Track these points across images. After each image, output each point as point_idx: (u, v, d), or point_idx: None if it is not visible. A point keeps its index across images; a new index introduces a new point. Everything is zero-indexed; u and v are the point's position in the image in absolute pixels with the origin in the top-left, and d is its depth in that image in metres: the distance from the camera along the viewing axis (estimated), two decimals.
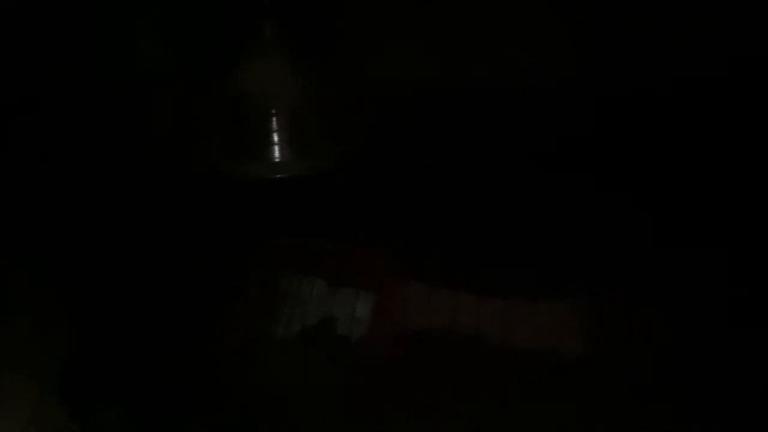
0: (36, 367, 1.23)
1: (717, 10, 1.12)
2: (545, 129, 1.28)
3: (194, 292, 1.35)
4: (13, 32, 1.03)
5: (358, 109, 1.13)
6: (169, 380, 1.29)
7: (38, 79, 1.12)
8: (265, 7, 0.97)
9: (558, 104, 1.23)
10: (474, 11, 1.14)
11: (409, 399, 1.28)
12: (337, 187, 1.36)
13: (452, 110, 1.27)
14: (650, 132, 1.27)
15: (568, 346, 1.49)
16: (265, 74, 1.03)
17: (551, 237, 1.44)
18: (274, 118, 1.05)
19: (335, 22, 1.12)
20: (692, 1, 1.10)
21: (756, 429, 1.17)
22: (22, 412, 1.19)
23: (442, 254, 1.51)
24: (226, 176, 1.06)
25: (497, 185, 1.37)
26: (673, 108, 1.25)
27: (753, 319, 1.29)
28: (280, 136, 1.06)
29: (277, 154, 1.06)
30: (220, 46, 1.06)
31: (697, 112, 1.24)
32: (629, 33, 1.15)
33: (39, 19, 1.06)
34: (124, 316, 1.33)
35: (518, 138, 1.30)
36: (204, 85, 1.08)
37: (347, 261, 1.49)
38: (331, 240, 1.49)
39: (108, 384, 1.30)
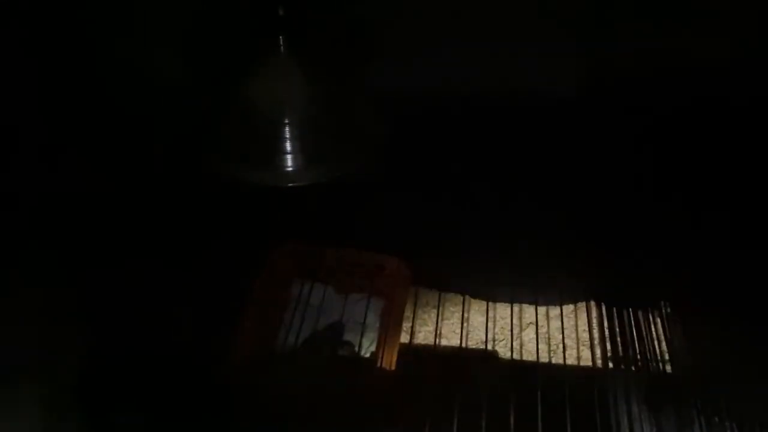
0: (48, 375, 1.23)
1: None
2: (556, 139, 1.28)
3: (206, 299, 1.35)
4: (18, 34, 1.04)
5: (371, 119, 1.13)
6: (181, 387, 1.30)
7: (45, 83, 1.12)
8: (279, 18, 0.97)
9: (571, 114, 1.23)
10: (487, 22, 1.14)
11: (415, 403, 1.28)
12: (349, 195, 1.36)
13: (464, 119, 1.27)
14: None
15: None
16: (278, 84, 1.03)
17: (561, 242, 1.43)
18: (287, 128, 1.05)
19: (349, 33, 1.12)
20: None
21: None
22: (35, 420, 1.19)
23: (452, 260, 1.51)
24: (239, 184, 1.06)
25: (508, 191, 1.37)
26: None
27: None
28: (292, 145, 1.05)
29: (289, 162, 1.06)
30: (234, 56, 1.06)
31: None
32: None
33: (45, 24, 1.07)
34: (136, 323, 1.33)
35: (530, 147, 1.30)
36: (217, 94, 1.08)
37: (356, 268, 1.50)
38: (342, 247, 1.50)
39: (121, 391, 1.31)
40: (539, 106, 1.23)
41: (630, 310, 1.47)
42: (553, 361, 1.45)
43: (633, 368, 1.36)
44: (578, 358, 1.48)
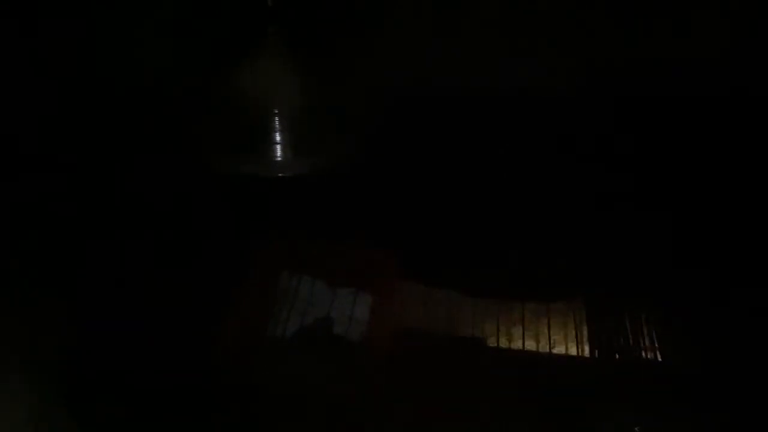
0: (35, 367, 1.23)
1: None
2: (548, 132, 1.29)
3: (194, 291, 1.35)
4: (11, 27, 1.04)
5: (360, 110, 1.14)
6: (169, 380, 1.29)
7: (39, 78, 1.12)
8: (268, 8, 0.98)
9: (560, 109, 1.24)
10: (478, 15, 1.15)
11: (405, 398, 1.29)
12: (337, 187, 1.37)
13: (453, 113, 1.27)
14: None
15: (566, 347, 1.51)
16: (267, 75, 1.04)
17: (549, 239, 1.44)
18: (276, 118, 1.05)
19: (338, 23, 1.13)
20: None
21: None
22: (20, 412, 1.18)
23: (440, 255, 1.51)
24: (227, 175, 1.07)
25: (497, 187, 1.38)
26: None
27: None
28: (281, 136, 1.06)
29: (278, 153, 1.06)
30: (223, 46, 1.07)
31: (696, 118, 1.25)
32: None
33: (42, 16, 1.07)
34: (124, 315, 1.33)
35: (520, 141, 1.31)
36: (206, 84, 1.09)
37: (346, 261, 1.50)
38: (330, 240, 1.50)
39: (109, 384, 1.30)
40: (532, 104, 1.24)
41: (618, 307, 1.47)
42: (542, 356, 1.46)
43: (620, 364, 1.36)
44: (566, 354, 1.49)
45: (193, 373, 1.29)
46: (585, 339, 1.45)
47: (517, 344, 1.48)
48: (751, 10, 1.11)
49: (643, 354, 1.37)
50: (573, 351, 1.44)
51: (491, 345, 1.50)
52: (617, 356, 1.37)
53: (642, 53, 1.18)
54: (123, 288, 1.34)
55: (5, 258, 1.15)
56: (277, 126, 1.05)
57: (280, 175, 1.07)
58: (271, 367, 1.34)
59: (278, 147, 1.06)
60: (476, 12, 1.16)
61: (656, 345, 1.39)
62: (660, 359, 1.37)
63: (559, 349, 1.48)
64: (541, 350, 1.46)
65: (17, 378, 1.18)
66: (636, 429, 1.19)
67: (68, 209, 1.25)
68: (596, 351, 1.40)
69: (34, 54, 1.11)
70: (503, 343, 1.43)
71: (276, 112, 1.04)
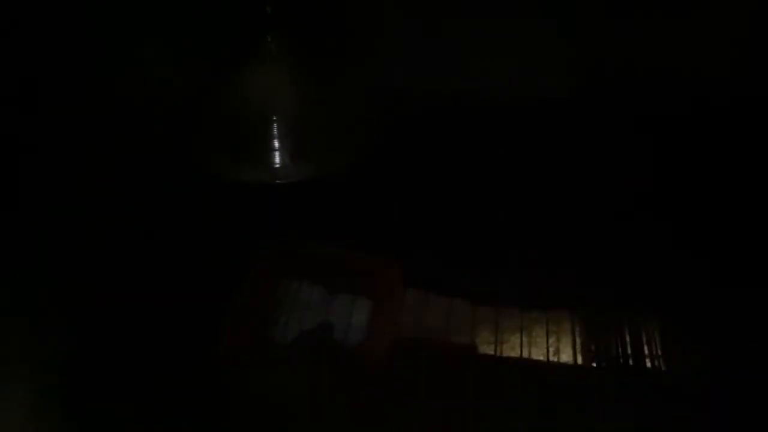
0: (33, 366, 1.23)
1: None
2: (548, 137, 1.29)
3: (193, 296, 1.36)
4: (14, 31, 1.05)
5: (359, 117, 1.15)
6: (168, 382, 1.30)
7: (40, 79, 1.13)
8: (267, 16, 0.99)
9: (562, 116, 1.25)
10: (478, 22, 1.15)
11: (404, 404, 1.29)
12: (336, 193, 1.37)
13: (453, 117, 1.28)
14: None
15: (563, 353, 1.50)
16: (266, 81, 1.05)
17: (547, 246, 1.44)
18: (275, 125, 1.07)
19: (337, 31, 1.14)
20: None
21: None
22: (19, 411, 1.19)
23: (439, 262, 1.52)
24: (227, 181, 1.08)
25: (497, 194, 1.38)
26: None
27: None
28: (280, 142, 1.07)
29: (277, 159, 1.07)
30: (223, 53, 1.08)
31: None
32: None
33: (42, 18, 1.08)
34: (124, 316, 1.34)
35: (521, 146, 1.31)
36: (206, 91, 1.10)
37: (345, 267, 1.50)
38: (330, 246, 1.50)
39: (107, 384, 1.31)
40: (531, 108, 1.24)
41: (617, 314, 1.47)
42: (540, 363, 1.46)
43: (617, 372, 1.36)
44: (566, 360, 1.49)
45: (192, 375, 1.29)
46: (585, 345, 1.45)
47: (515, 352, 1.48)
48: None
49: (643, 360, 1.37)
50: (572, 358, 1.44)
51: (490, 352, 1.50)
52: (617, 362, 1.37)
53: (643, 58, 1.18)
54: (123, 290, 1.35)
55: (5, 259, 1.16)
56: (276, 132, 1.07)
57: (278, 181, 1.08)
58: (270, 372, 1.34)
59: (277, 153, 1.07)
60: (476, 16, 1.16)
61: (657, 351, 1.39)
62: (660, 364, 1.36)
63: (558, 357, 1.48)
64: (540, 358, 1.46)
65: (17, 378, 1.18)
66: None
67: (68, 211, 1.25)
68: (596, 357, 1.40)
69: (32, 51, 1.12)
70: (501, 351, 1.43)
71: (275, 118, 1.06)
